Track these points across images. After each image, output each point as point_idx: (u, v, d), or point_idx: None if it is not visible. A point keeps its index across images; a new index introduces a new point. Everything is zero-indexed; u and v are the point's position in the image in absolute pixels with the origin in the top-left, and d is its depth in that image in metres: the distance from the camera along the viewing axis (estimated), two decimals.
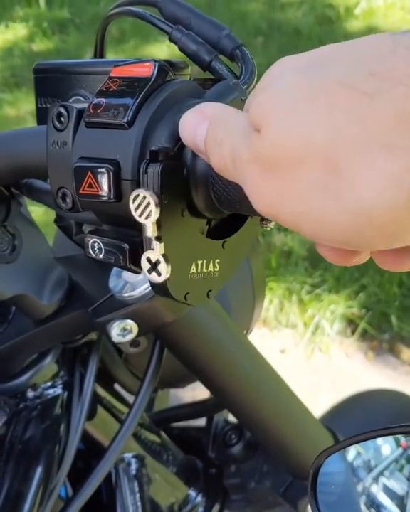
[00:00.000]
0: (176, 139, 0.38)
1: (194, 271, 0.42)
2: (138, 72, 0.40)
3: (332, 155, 0.27)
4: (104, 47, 0.61)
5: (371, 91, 0.26)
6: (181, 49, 0.50)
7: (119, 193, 0.38)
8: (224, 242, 0.44)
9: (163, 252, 0.38)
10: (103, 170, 0.38)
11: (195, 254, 0.42)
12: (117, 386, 0.76)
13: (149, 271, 0.38)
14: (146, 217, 0.36)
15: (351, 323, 2.20)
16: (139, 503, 0.72)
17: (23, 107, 3.54)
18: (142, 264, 0.38)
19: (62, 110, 0.42)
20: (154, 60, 0.40)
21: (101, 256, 0.41)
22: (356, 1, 4.20)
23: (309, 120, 0.28)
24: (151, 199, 0.36)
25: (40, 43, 4.24)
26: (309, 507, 0.73)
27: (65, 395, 0.64)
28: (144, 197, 0.36)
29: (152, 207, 0.36)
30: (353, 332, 2.17)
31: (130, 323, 0.55)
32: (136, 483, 0.72)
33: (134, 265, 0.41)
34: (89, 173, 0.39)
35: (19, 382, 0.62)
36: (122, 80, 0.40)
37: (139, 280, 0.55)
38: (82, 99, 0.50)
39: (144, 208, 0.36)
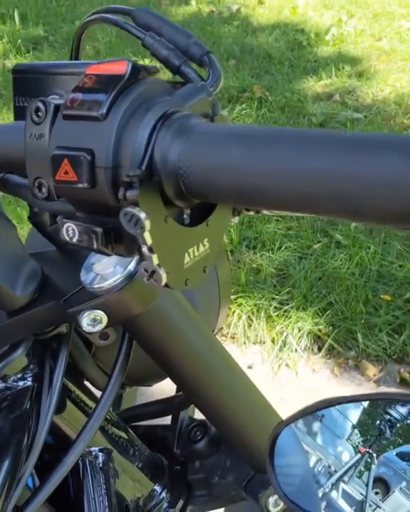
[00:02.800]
0: (145, 146, 0.41)
1: (188, 260, 0.45)
2: (113, 69, 0.43)
3: None
4: (80, 51, 0.64)
5: None
6: (153, 54, 0.53)
7: (94, 180, 0.41)
8: (207, 221, 0.47)
9: (157, 262, 0.41)
10: (79, 157, 0.41)
11: (185, 245, 0.45)
12: (86, 383, 0.78)
13: (148, 279, 0.42)
14: (140, 229, 0.39)
15: (318, 339, 2.23)
16: (105, 496, 0.73)
17: None
18: (139, 274, 0.42)
19: (41, 105, 0.45)
20: (128, 60, 0.43)
21: (75, 239, 0.44)
22: (327, 28, 4.30)
23: None
24: (140, 215, 0.39)
25: (14, 60, 4.28)
26: (269, 499, 0.75)
27: (35, 387, 0.66)
28: (133, 214, 0.39)
29: (142, 221, 0.39)
30: (320, 349, 2.20)
31: (100, 314, 0.57)
32: (102, 476, 0.74)
33: (105, 248, 0.43)
34: (65, 160, 0.41)
35: None
36: (98, 77, 0.43)
37: (109, 272, 0.57)
38: (58, 98, 0.53)
39: (136, 222, 0.39)
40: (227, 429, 0.74)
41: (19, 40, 4.47)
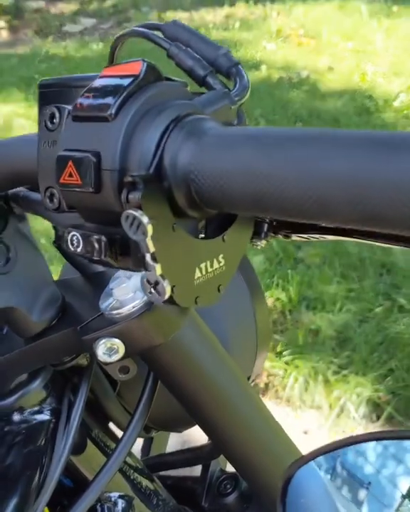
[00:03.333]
0: (154, 149, 0.38)
1: (199, 275, 0.42)
2: (127, 70, 0.40)
3: None
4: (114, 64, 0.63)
5: None
6: (178, 64, 0.51)
7: (99, 183, 0.39)
8: (224, 235, 0.43)
9: (160, 272, 0.38)
10: (83, 159, 0.38)
11: (196, 259, 0.42)
12: (112, 426, 0.74)
13: (150, 291, 0.38)
14: (142, 235, 0.37)
15: (377, 407, 2.13)
16: None
17: None
18: (142, 286, 0.39)
19: (55, 111, 0.43)
20: (144, 60, 0.41)
21: (79, 249, 0.41)
22: (396, 94, 4.30)
23: None
24: (142, 219, 0.36)
25: None
26: None
27: (52, 422, 0.62)
28: (135, 217, 0.36)
29: (144, 225, 0.36)
30: (378, 417, 2.10)
31: (117, 342, 0.53)
32: None
33: (111, 259, 0.40)
34: (70, 162, 0.39)
35: (5, 403, 0.60)
36: (111, 78, 0.41)
37: (128, 298, 0.54)
38: None
39: (137, 226, 0.36)
40: (257, 483, 0.68)
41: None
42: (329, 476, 0.70)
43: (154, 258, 0.37)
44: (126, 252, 0.41)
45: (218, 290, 0.44)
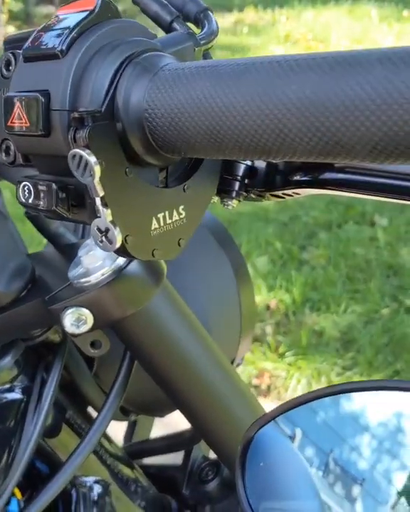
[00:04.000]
0: (107, 87, 0.36)
1: (156, 226, 0.40)
2: (82, 5, 0.38)
3: None
4: None
5: None
6: (143, 10, 0.49)
7: (48, 126, 0.36)
8: (185, 185, 0.41)
9: (110, 219, 0.35)
10: (31, 99, 0.36)
11: (153, 209, 0.39)
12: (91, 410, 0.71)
13: (101, 240, 0.36)
14: (89, 177, 0.34)
15: None
16: None
17: None
18: (92, 234, 0.36)
19: (10, 56, 0.41)
20: None
21: (30, 200, 0.39)
22: None
23: None
24: (89, 158, 0.34)
25: None
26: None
27: (24, 401, 0.59)
28: (82, 156, 0.34)
29: (92, 166, 0.34)
30: None
31: (85, 313, 0.50)
32: (96, 511, 0.65)
33: (63, 210, 0.38)
34: (17, 103, 0.37)
35: None
36: (65, 15, 0.38)
37: (97, 266, 0.51)
38: None
39: (84, 167, 0.34)
40: (231, 459, 0.65)
41: None
42: (320, 473, 0.67)
43: (104, 203, 0.35)
44: (80, 204, 0.38)
45: (179, 244, 0.41)
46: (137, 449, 0.80)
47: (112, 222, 0.35)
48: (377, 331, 2.30)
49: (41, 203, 0.38)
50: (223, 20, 6.35)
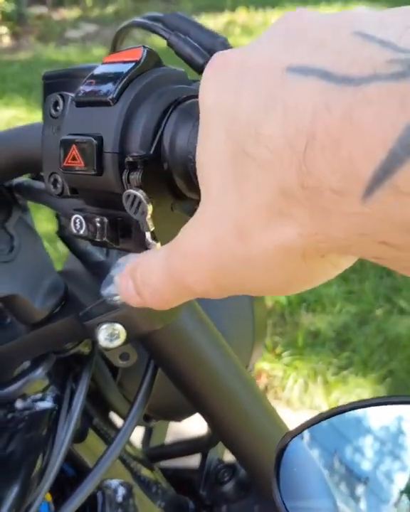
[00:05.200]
0: (154, 131, 0.40)
1: None
2: (128, 56, 0.42)
3: (239, 223, 0.29)
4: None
5: (258, 160, 0.27)
6: (177, 53, 0.52)
7: (101, 166, 0.40)
8: None
9: None
10: (86, 142, 0.40)
11: None
12: (112, 416, 0.75)
13: None
14: (142, 214, 0.38)
15: None
16: None
17: None
18: None
19: (58, 98, 0.44)
20: (144, 46, 0.42)
21: (82, 231, 0.43)
22: None
23: (225, 199, 0.30)
24: (142, 198, 0.37)
25: None
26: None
27: (55, 409, 0.63)
28: (135, 196, 0.38)
29: (144, 204, 0.38)
30: None
31: (118, 328, 0.55)
32: (120, 511, 0.70)
33: (112, 240, 0.42)
34: (73, 146, 0.40)
35: (9, 391, 0.62)
36: (113, 64, 0.42)
37: None
38: None
39: (138, 205, 0.38)
40: (254, 468, 0.69)
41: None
42: (326, 471, 0.71)
43: (154, 237, 0.38)
44: (127, 234, 0.42)
45: None
46: (155, 453, 0.85)
47: None
48: (371, 332, 2.35)
49: (93, 234, 0.42)
50: (215, 21, 6.40)
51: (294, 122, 0.25)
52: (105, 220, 0.41)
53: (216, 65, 0.32)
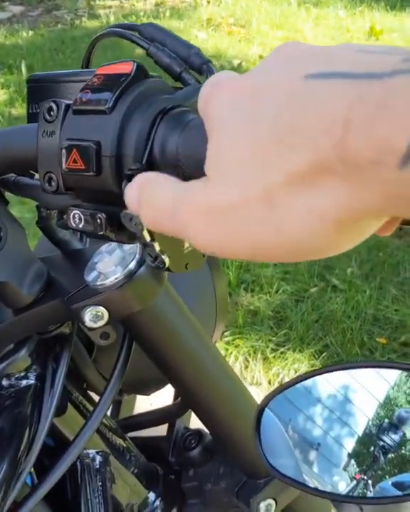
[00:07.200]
0: (146, 139, 0.45)
1: (187, 246, 0.50)
2: (120, 69, 0.47)
3: (268, 195, 0.33)
4: (90, 61, 0.70)
5: (291, 144, 0.31)
6: (156, 62, 0.58)
7: (100, 168, 0.45)
8: None
9: (159, 249, 0.45)
10: (87, 147, 0.45)
11: None
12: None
13: (153, 262, 0.46)
14: (139, 225, 0.44)
15: None
16: (101, 499, 0.75)
17: None
18: (146, 260, 0.46)
19: (53, 105, 0.49)
20: (134, 61, 0.48)
21: (81, 225, 0.48)
22: None
23: (250, 171, 0.33)
24: (137, 219, 0.43)
25: (19, 108, 4.38)
26: (261, 504, 0.77)
27: (37, 386, 0.69)
28: (132, 217, 0.43)
29: (141, 222, 0.43)
30: None
31: (102, 310, 0.61)
32: (99, 479, 0.76)
33: (109, 233, 0.47)
34: (74, 149, 0.46)
35: None
36: (106, 76, 0.48)
37: (111, 271, 0.61)
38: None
39: (136, 223, 0.43)
40: (221, 434, 0.77)
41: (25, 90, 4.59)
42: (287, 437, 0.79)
43: (152, 238, 0.44)
44: (122, 228, 0.48)
45: (203, 256, 0.52)
46: (125, 424, 0.91)
47: (161, 251, 0.45)
48: (307, 309, 2.46)
49: (91, 228, 0.47)
50: (145, 3, 6.38)
51: (329, 114, 0.30)
52: (104, 215, 0.47)
53: (219, 85, 0.37)
